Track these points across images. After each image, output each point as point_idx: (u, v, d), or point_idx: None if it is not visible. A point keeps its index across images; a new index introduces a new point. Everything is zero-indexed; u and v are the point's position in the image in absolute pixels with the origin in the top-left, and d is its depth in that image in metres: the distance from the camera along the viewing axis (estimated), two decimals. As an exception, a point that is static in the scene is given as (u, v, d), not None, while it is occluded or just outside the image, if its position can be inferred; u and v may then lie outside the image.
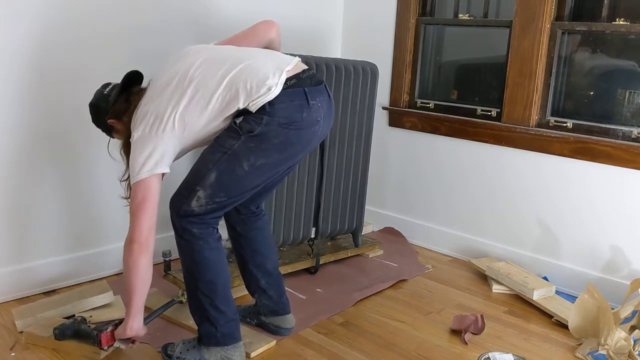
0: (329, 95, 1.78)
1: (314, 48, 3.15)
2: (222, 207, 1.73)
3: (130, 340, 1.81)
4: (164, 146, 1.66)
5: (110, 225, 2.46)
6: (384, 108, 3.18)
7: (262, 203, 2.04)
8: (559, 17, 2.59)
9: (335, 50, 3.36)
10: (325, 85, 1.78)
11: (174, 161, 1.76)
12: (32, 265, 2.29)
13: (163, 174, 1.69)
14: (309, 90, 1.69)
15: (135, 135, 1.69)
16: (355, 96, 2.64)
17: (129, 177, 1.71)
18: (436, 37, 3.12)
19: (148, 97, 1.72)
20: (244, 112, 1.66)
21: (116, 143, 1.87)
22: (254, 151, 1.66)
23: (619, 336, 1.94)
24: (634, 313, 2.07)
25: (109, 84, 1.86)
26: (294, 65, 1.73)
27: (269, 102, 1.62)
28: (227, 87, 1.65)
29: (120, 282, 2.38)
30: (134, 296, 1.69)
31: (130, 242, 1.66)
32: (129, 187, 1.71)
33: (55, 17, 2.19)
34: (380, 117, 3.16)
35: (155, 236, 1.70)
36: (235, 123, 1.66)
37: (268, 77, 1.64)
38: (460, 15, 2.94)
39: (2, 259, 2.21)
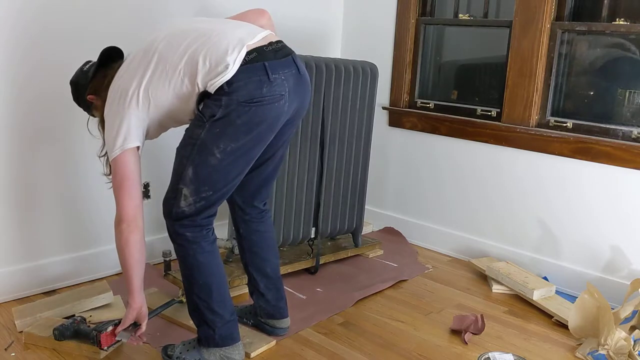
0: (297, 68, 1.70)
1: (314, 48, 3.15)
2: (210, 203, 1.70)
3: (134, 332, 1.80)
4: (129, 120, 1.64)
5: (110, 225, 2.42)
6: (384, 108, 3.18)
7: (267, 199, 2.01)
8: (559, 17, 2.59)
9: (335, 50, 3.36)
10: (293, 58, 1.70)
11: (151, 138, 1.75)
12: (32, 265, 2.29)
13: (139, 148, 1.68)
14: (270, 64, 1.61)
15: (105, 111, 1.69)
16: (355, 96, 2.64)
17: (106, 152, 1.71)
18: (436, 37, 3.12)
19: (120, 72, 1.71)
20: (205, 96, 1.62)
21: (95, 120, 1.88)
22: (221, 136, 1.61)
23: (619, 336, 1.94)
24: (634, 313, 2.07)
25: (89, 61, 1.86)
26: (261, 38, 1.66)
27: (227, 82, 1.57)
28: (188, 62, 1.61)
29: (120, 282, 2.38)
30: (131, 275, 1.70)
31: (119, 223, 1.67)
32: (108, 163, 1.71)
33: None
34: (380, 117, 3.16)
35: (143, 213, 1.69)
36: (198, 110, 1.63)
37: (227, 52, 1.58)
38: (460, 15, 2.94)
39: (3, 258, 2.22)
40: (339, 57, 3.32)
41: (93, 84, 1.79)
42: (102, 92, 1.75)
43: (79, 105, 1.88)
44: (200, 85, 1.60)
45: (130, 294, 1.73)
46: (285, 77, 1.65)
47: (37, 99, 2.21)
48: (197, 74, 1.59)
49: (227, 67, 1.57)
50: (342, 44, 3.38)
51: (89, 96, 1.80)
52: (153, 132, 1.74)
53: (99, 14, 2.32)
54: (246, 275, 2.06)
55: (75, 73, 1.86)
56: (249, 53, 1.60)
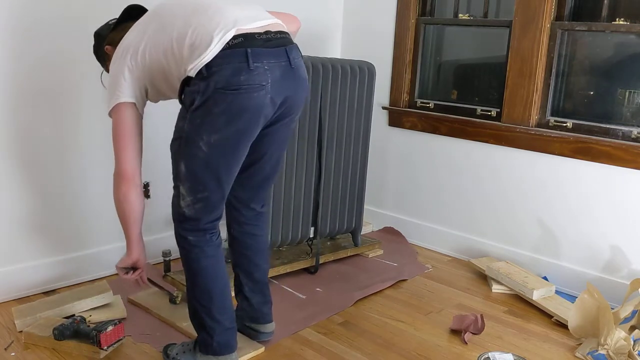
0: (289, 61, 1.61)
1: (314, 48, 3.15)
2: (210, 206, 1.67)
3: (132, 271, 1.81)
4: (126, 75, 1.64)
5: (110, 225, 2.46)
6: (383, 108, 3.18)
7: (265, 201, 1.96)
8: (559, 17, 2.59)
9: (335, 50, 3.36)
10: (286, 50, 1.61)
11: (152, 101, 1.75)
12: (32, 265, 2.29)
13: (137, 106, 1.67)
14: (253, 52, 1.52)
15: (110, 66, 1.72)
16: (352, 95, 2.64)
17: None
18: (436, 37, 3.12)
19: (129, 30, 1.71)
20: (186, 84, 1.59)
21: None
22: (202, 127, 1.57)
23: (618, 336, 1.94)
24: (633, 313, 2.08)
25: (115, 18, 1.89)
26: (260, 26, 1.58)
27: (207, 66, 1.51)
28: (180, 30, 1.58)
29: (120, 281, 2.38)
30: (129, 227, 1.72)
31: (118, 181, 1.68)
32: None
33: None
34: (380, 117, 3.17)
35: (141, 169, 1.70)
36: (180, 101, 1.62)
37: (214, 31, 1.52)
38: (460, 15, 2.94)
39: (2, 258, 2.22)
40: (339, 56, 3.32)
41: (111, 35, 1.82)
42: (118, 44, 1.76)
43: (97, 57, 1.91)
44: (185, 61, 1.56)
45: (128, 246, 1.75)
46: (269, 67, 1.56)
47: (37, 101, 2.21)
48: (182, 49, 1.57)
49: (207, 48, 1.52)
50: (341, 44, 3.38)
51: (106, 47, 1.82)
52: (152, 94, 1.73)
53: None
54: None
55: (101, 26, 1.90)
56: (234, 37, 1.52)
